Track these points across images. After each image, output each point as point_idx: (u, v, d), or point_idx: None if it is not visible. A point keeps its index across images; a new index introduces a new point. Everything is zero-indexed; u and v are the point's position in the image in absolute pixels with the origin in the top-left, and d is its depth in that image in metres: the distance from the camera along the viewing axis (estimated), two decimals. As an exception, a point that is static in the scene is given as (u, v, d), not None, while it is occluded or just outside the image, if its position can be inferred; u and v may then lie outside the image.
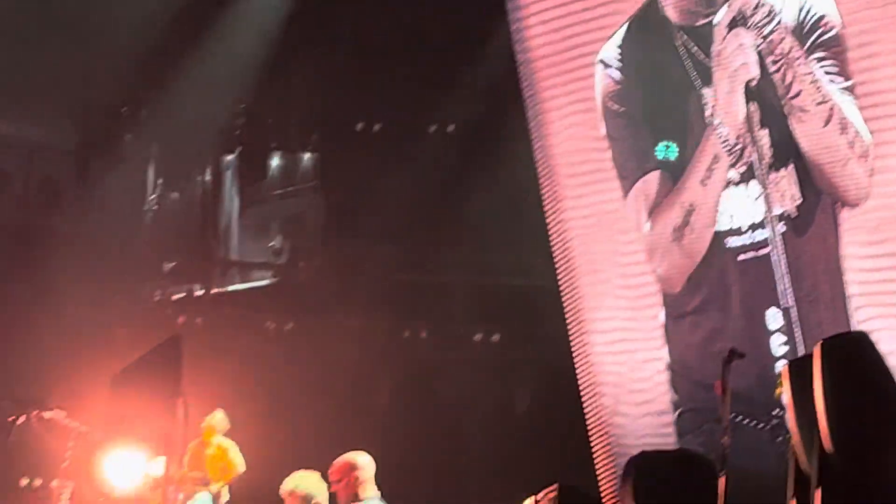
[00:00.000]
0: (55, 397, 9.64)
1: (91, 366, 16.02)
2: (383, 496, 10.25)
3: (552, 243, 16.62)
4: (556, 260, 16.50)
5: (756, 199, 14.30)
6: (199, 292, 21.59)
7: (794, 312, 14.01)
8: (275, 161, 22.71)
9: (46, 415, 9.59)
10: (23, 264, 19.04)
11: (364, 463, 10.06)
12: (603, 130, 15.66)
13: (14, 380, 16.04)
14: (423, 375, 19.83)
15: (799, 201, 14.01)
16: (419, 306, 20.08)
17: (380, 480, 10.46)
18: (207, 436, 15.86)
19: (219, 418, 16.02)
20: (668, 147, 14.71)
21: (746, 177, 14.36)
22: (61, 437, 10.25)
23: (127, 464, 16.21)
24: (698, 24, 14.57)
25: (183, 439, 6.99)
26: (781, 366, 12.72)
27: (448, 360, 19.92)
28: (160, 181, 21.98)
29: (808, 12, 13.77)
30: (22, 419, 8.93)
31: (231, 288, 22.23)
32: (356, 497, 9.90)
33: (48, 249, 19.34)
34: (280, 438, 18.12)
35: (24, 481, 17.80)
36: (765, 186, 14.17)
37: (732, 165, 14.43)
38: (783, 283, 14.07)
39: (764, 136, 14.22)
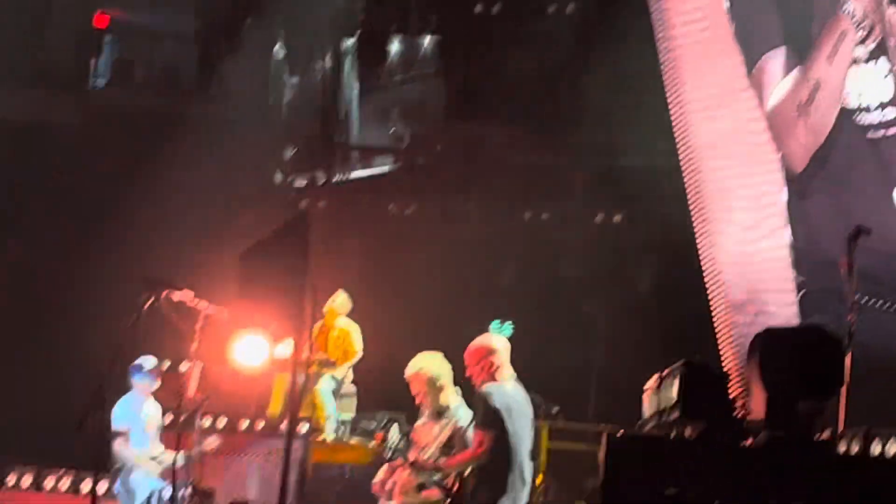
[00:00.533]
0: (184, 279, 9.75)
1: (218, 248, 16.26)
2: (508, 377, 10.30)
3: (673, 123, 16.49)
4: (677, 140, 16.37)
5: (885, 76, 14.04)
6: (321, 178, 21.72)
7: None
8: (394, 45, 22.65)
9: (175, 296, 9.72)
10: (150, 150, 19.25)
11: (500, 346, 10.11)
12: (726, 4, 15.42)
13: (144, 261, 16.31)
14: (544, 257, 19.84)
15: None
16: (540, 188, 20.04)
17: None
18: (331, 318, 16.00)
19: (341, 300, 16.13)
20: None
21: (875, 54, 14.09)
22: (190, 318, 10.39)
23: (254, 345, 16.50)
24: None
25: (310, 319, 7.04)
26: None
27: (569, 241, 19.90)
28: (280, 66, 22.06)
29: None
30: (151, 300, 9.06)
31: (353, 174, 22.33)
32: (493, 379, 9.96)
33: (173, 135, 19.53)
34: (403, 320, 18.28)
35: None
36: (894, 64, 13.90)
37: (861, 42, 14.15)
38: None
39: (894, 14, 13.93)
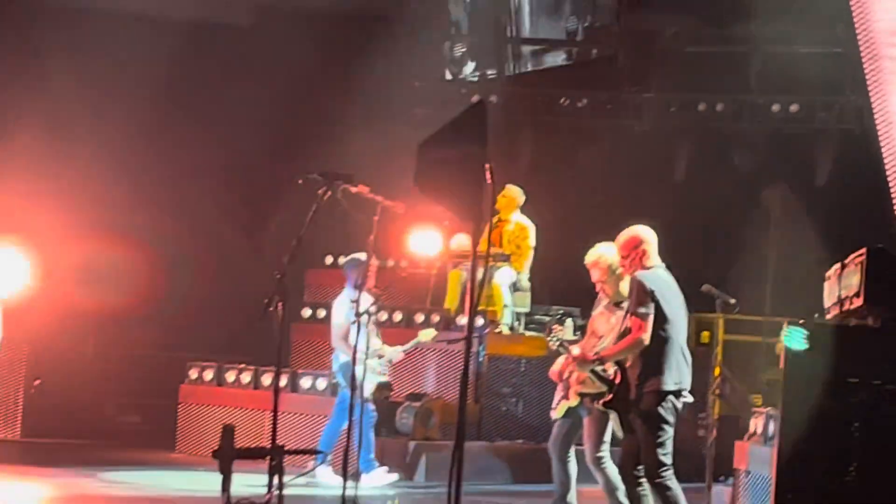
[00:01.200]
0: (361, 172, 9.82)
1: (393, 142, 16.35)
2: (674, 266, 10.25)
3: (852, 8, 16.11)
4: (856, 26, 16.00)
5: None
6: (494, 72, 21.66)
7: None
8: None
9: (353, 189, 9.80)
10: (326, 48, 19.33)
11: (649, 236, 10.08)
12: None
13: (322, 155, 16.46)
14: (719, 147, 19.62)
15: None
16: (714, 78, 19.77)
17: (673, 250, 10.44)
18: (506, 212, 16.00)
19: (516, 195, 16.12)
20: None
21: None
22: (367, 211, 10.49)
23: (429, 238, 16.64)
24: None
25: (487, 213, 7.02)
26: None
27: (745, 132, 19.64)
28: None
29: None
30: (328, 194, 9.14)
31: (525, 68, 22.23)
32: (642, 267, 9.96)
33: (349, 36, 19.58)
34: (576, 214, 18.26)
35: (328, 259, 18.41)
36: None
37: None
38: None
39: None
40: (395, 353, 14.24)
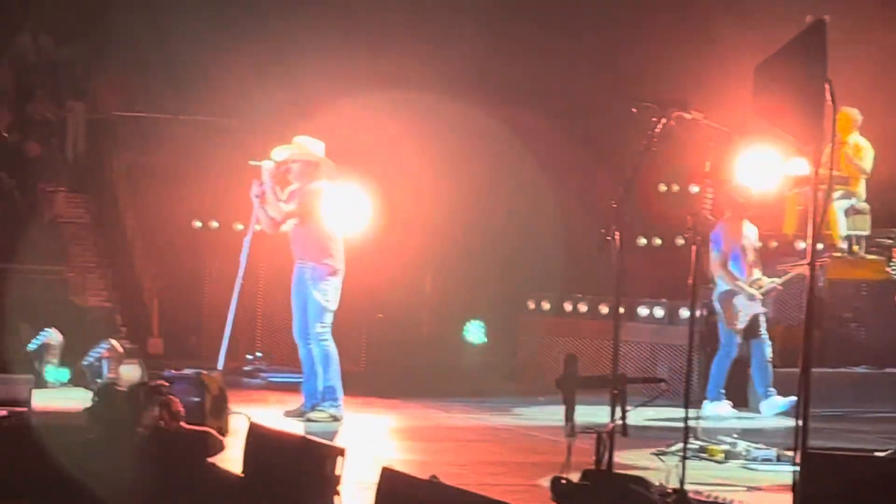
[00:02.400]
0: (695, 98, 9.66)
1: (727, 66, 16.04)
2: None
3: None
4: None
5: None
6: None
7: None
8: None
9: (687, 116, 9.67)
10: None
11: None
12: None
13: (656, 81, 16.32)
14: None
15: None
16: None
17: None
18: (844, 133, 15.55)
19: (853, 114, 15.66)
20: None
21: None
22: (701, 139, 10.34)
23: (765, 164, 16.32)
24: None
25: (827, 134, 6.83)
26: None
27: None
28: None
29: None
30: (663, 121, 9.04)
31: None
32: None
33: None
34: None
35: (663, 187, 18.31)
36: None
37: None
38: None
39: None
40: (772, 284, 14.11)
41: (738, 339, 13.95)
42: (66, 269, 18.94)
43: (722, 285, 13.90)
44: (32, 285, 18.35)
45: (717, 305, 13.98)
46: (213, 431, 9.94)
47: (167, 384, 9.92)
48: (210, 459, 8.63)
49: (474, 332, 18.11)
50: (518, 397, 15.42)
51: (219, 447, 8.97)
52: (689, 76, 17.04)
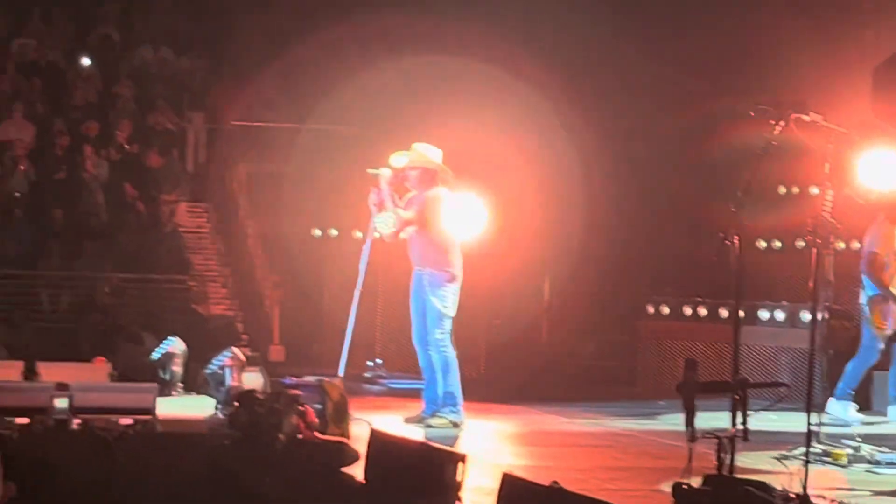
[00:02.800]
0: (813, 100, 9.58)
1: (844, 68, 15.87)
2: None
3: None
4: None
5: None
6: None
7: None
8: None
9: (805, 118, 9.58)
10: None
11: None
12: None
13: (774, 83, 16.17)
14: None
15: None
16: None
17: None
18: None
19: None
20: None
21: None
22: (820, 140, 10.23)
23: (886, 165, 16.06)
24: None
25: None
26: None
27: None
28: None
29: None
30: (781, 124, 8.97)
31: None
32: None
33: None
34: None
35: (782, 189, 18.12)
36: None
37: None
38: None
39: None
40: None
41: (881, 345, 13.75)
42: (188, 278, 19.24)
43: (871, 288, 13.69)
44: (155, 295, 18.68)
45: (865, 309, 13.76)
46: (348, 442, 10.05)
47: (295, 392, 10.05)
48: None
49: None
50: (638, 402, 15.37)
51: (354, 457, 9.06)
52: (807, 78, 16.88)
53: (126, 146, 21.04)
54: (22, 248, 19.31)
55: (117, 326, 17.07)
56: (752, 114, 9.17)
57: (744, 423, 8.07)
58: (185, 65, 23.00)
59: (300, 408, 9.99)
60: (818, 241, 10.83)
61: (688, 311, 16.44)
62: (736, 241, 8.53)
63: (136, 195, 20.44)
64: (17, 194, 19.91)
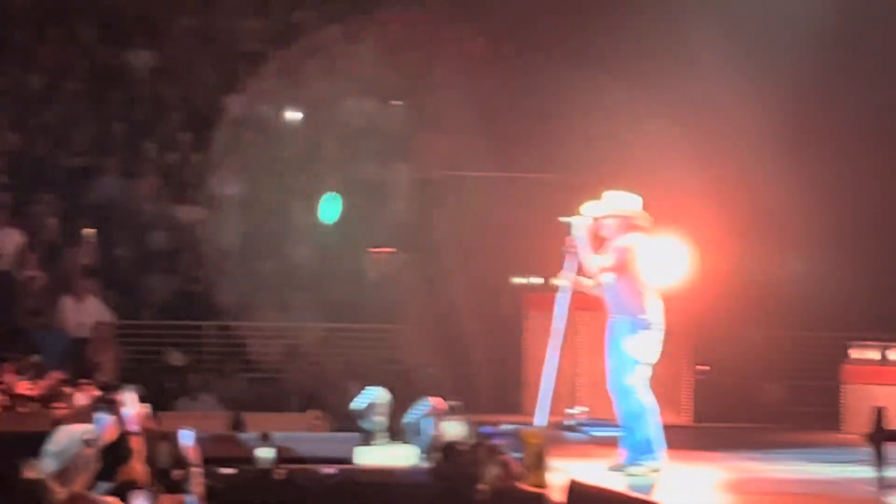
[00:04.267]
0: None
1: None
2: None
3: None
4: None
5: None
6: None
7: None
8: None
9: None
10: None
11: None
12: None
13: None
14: None
15: None
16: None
17: None
18: None
19: None
20: None
21: None
22: None
23: None
24: None
25: None
26: None
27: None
28: None
29: None
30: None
31: None
32: None
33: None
34: None
35: None
36: None
37: None
38: None
39: None
40: None
41: None
42: (394, 327, 19.47)
43: None
44: (360, 344, 18.95)
45: None
46: (547, 493, 10.08)
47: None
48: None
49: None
50: (845, 447, 15.08)
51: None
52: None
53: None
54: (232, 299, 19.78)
55: (324, 377, 17.39)
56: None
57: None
58: (390, 115, 23.29)
59: (501, 458, 10.05)
60: None
61: (894, 354, 16.08)
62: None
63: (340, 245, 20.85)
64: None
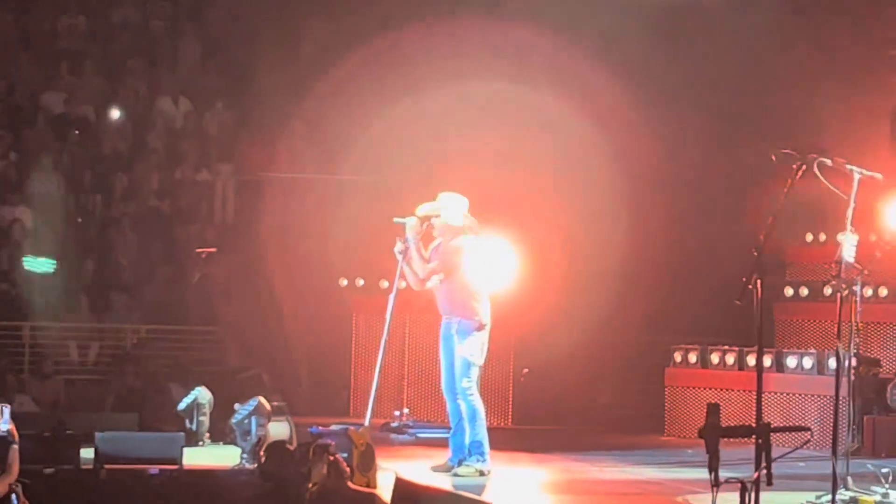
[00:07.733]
0: (833, 143, 9.57)
1: (865, 110, 15.81)
2: None
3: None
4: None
5: None
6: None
7: None
8: None
9: (827, 162, 9.56)
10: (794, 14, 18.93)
11: None
12: None
13: (795, 128, 16.09)
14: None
15: None
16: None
17: None
18: None
19: None
20: None
21: None
22: (845, 185, 10.20)
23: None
24: None
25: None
26: None
27: None
28: None
29: None
30: (802, 168, 8.96)
31: None
32: None
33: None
34: None
35: (809, 237, 18.05)
36: None
37: None
38: None
39: None
40: None
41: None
42: (216, 328, 19.28)
43: None
44: (182, 345, 18.73)
45: None
46: (378, 493, 10.03)
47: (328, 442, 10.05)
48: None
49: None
50: (667, 450, 15.31)
51: (382, 506, 9.05)
52: (828, 123, 16.87)
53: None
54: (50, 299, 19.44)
55: (145, 377, 17.15)
56: (774, 158, 9.16)
57: (767, 467, 8.02)
58: (213, 117, 23.08)
59: (330, 457, 9.99)
60: (843, 286, 10.80)
61: (715, 357, 16.36)
62: (759, 286, 8.52)
63: (162, 248, 20.59)
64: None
